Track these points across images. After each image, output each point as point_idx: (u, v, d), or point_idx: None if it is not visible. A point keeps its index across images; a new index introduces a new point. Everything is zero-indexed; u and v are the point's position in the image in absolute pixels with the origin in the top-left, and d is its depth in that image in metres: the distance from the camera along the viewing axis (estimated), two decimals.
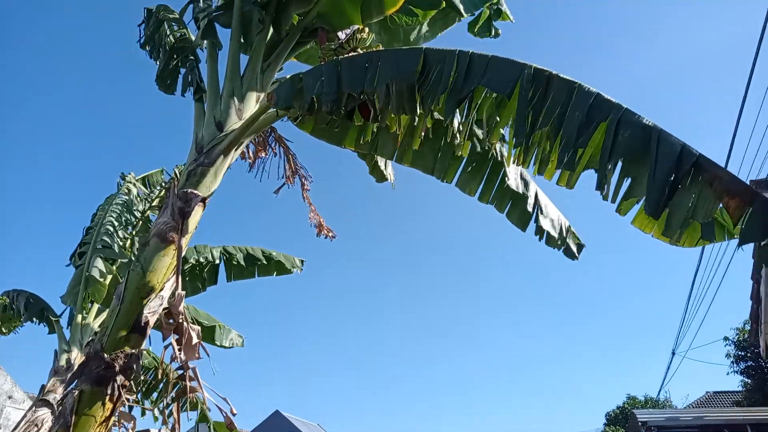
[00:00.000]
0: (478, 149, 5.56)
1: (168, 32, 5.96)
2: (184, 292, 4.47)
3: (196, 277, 8.47)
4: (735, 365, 17.68)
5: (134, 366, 4.04)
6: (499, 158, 5.59)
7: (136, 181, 9.31)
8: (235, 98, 4.77)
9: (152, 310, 4.21)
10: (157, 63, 5.83)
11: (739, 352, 17.75)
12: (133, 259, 5.03)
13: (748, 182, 6.91)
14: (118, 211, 8.34)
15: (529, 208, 5.57)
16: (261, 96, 4.89)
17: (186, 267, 8.34)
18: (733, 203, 2.64)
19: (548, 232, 5.31)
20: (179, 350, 4.32)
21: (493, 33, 6.11)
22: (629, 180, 3.02)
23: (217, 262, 8.34)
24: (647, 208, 2.85)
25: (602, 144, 3.04)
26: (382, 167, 6.44)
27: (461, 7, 5.94)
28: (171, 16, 6.10)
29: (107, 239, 7.88)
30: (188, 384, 4.31)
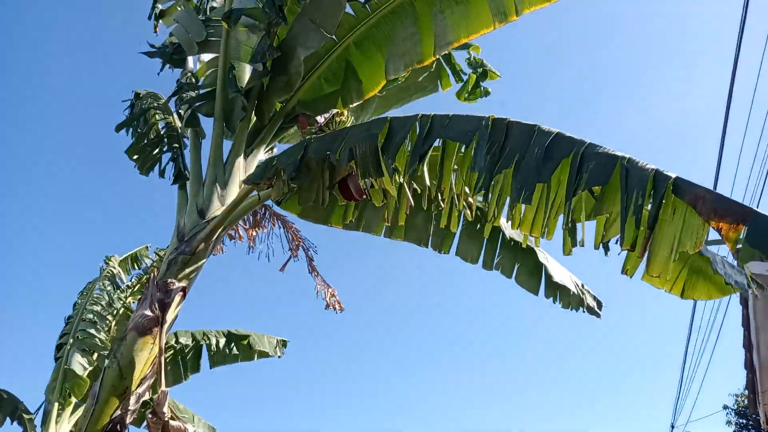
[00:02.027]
0: (470, 217, 5.50)
1: (154, 119, 6.02)
2: (168, 390, 4.27)
3: (177, 364, 8.16)
4: None
5: None
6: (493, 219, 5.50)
7: (121, 261, 9.15)
8: (218, 185, 4.76)
9: (129, 409, 3.99)
10: (132, 138, 5.78)
11: (741, 420, 17.02)
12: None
13: None
14: (99, 299, 8.14)
15: (539, 267, 5.38)
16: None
17: (167, 355, 8.04)
18: (725, 224, 2.35)
19: (561, 290, 5.12)
20: None
21: (482, 93, 6.16)
22: (604, 216, 2.82)
23: (201, 344, 8.04)
24: (625, 243, 2.57)
25: (567, 180, 2.84)
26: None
27: (452, 79, 6.09)
28: (157, 103, 6.20)
29: (88, 329, 7.66)
30: None
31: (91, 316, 7.82)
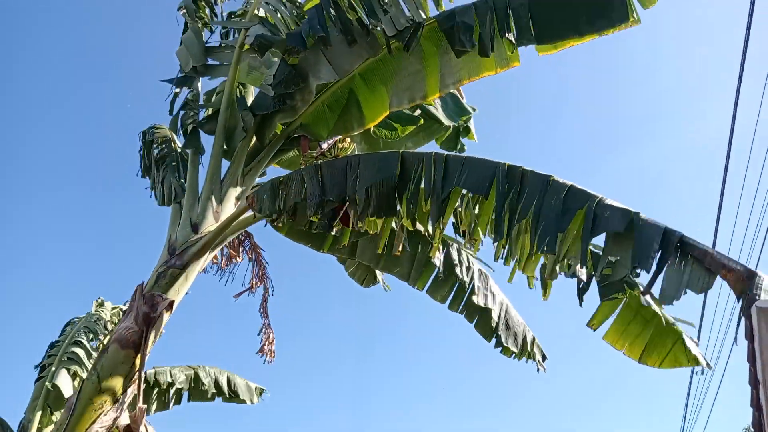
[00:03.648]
0: (452, 258, 5.56)
1: (156, 149, 6.01)
2: (145, 406, 4.15)
3: (163, 393, 7.97)
4: None
5: None
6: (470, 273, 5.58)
7: (113, 309, 8.98)
8: (214, 200, 4.74)
9: (105, 424, 3.86)
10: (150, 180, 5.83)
11: None
12: None
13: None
14: (92, 327, 7.98)
15: (493, 324, 5.51)
16: (240, 199, 4.88)
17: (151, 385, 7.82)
18: (732, 276, 2.65)
19: (509, 348, 5.28)
20: None
21: (458, 148, 6.36)
22: (611, 260, 2.99)
23: (181, 386, 7.87)
24: (636, 281, 2.80)
25: (582, 227, 3.04)
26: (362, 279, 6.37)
27: (443, 119, 6.20)
28: (159, 132, 6.20)
29: (76, 351, 7.47)
30: None
31: (82, 340, 7.65)
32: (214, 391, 7.62)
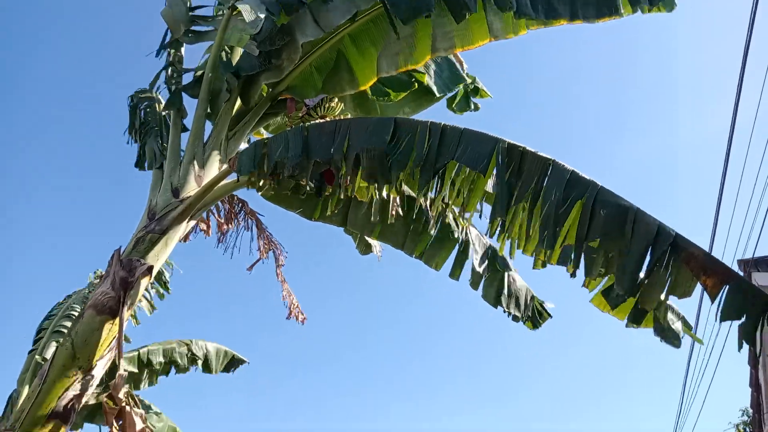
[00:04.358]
0: (450, 228, 5.41)
1: (141, 114, 5.81)
2: (126, 373, 4.01)
3: (151, 371, 7.89)
4: None
5: None
6: (467, 237, 5.44)
7: None
8: (196, 164, 4.55)
9: (79, 391, 3.71)
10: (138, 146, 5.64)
11: None
12: None
13: (735, 261, 6.84)
14: (85, 300, 7.88)
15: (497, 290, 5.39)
16: (224, 164, 4.69)
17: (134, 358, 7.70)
18: (710, 281, 2.67)
19: (511, 311, 5.15)
20: None
21: (472, 108, 6.18)
22: (604, 258, 2.89)
23: (178, 364, 7.77)
24: (623, 285, 2.77)
25: (578, 221, 2.94)
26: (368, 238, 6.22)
27: (434, 89, 6.00)
28: (144, 96, 5.99)
29: (66, 323, 7.35)
30: None
31: (73, 312, 7.53)
32: (201, 361, 7.57)
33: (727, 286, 2.60)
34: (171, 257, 7.89)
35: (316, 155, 3.78)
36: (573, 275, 3.48)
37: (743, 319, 2.52)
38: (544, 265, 3.14)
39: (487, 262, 5.27)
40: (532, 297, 5.58)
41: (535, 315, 5.50)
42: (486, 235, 3.50)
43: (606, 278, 4.49)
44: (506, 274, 5.42)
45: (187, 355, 7.50)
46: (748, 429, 16.94)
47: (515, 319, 5.45)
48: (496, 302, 5.47)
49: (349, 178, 3.81)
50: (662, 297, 2.73)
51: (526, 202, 3.07)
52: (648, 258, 2.75)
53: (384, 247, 6.08)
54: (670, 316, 4.47)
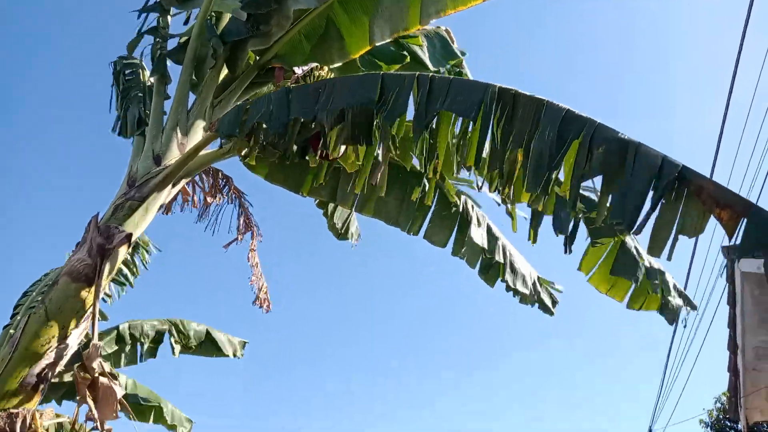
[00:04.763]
0: (448, 200, 5.26)
1: (124, 80, 5.66)
2: (101, 344, 3.86)
3: (134, 349, 7.69)
4: None
5: (18, 431, 3.34)
6: (465, 210, 5.28)
7: None
8: (179, 131, 4.38)
9: (52, 360, 3.56)
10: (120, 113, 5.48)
11: None
12: None
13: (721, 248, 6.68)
14: None
15: (499, 267, 5.23)
16: (208, 132, 4.52)
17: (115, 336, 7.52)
18: (726, 214, 2.40)
19: (519, 290, 4.93)
20: (95, 408, 3.68)
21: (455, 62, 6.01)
22: (605, 197, 2.68)
23: (157, 335, 7.55)
24: (627, 225, 2.53)
25: (575, 160, 2.74)
26: (339, 225, 6.05)
27: (429, 64, 5.83)
28: (127, 62, 5.83)
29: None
30: None
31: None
32: (194, 344, 7.37)
33: (746, 219, 2.34)
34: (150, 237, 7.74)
35: (300, 116, 3.61)
36: (569, 251, 3.32)
37: None
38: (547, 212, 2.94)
39: (487, 235, 5.11)
40: (538, 278, 5.41)
41: (542, 298, 5.28)
42: (484, 191, 3.32)
43: (604, 256, 4.40)
44: (507, 249, 5.25)
45: (181, 333, 7.32)
46: (721, 416, 16.89)
47: (523, 299, 5.26)
48: (494, 280, 5.32)
49: (335, 139, 3.64)
50: (671, 237, 2.48)
51: (521, 147, 2.89)
52: (652, 192, 2.53)
53: (379, 238, 5.90)
54: (672, 292, 4.35)
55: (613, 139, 2.70)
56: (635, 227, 2.49)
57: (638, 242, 4.09)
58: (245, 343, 8.11)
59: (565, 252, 3.16)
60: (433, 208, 5.31)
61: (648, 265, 3.84)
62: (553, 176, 2.78)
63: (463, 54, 6.03)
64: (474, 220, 5.26)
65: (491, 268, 5.27)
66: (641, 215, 2.48)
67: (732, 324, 6.19)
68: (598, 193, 2.68)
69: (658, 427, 12.40)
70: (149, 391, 8.15)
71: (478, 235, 5.13)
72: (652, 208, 2.52)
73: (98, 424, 3.69)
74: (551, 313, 5.18)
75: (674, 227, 2.51)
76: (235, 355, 7.86)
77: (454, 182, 5.34)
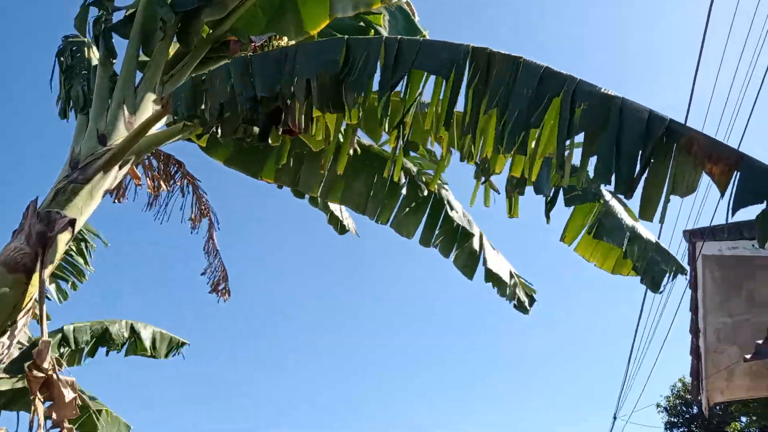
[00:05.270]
0: (419, 190, 5.05)
1: (68, 59, 5.22)
2: (50, 340, 3.52)
3: (76, 351, 7.21)
4: None
5: None
6: (439, 196, 5.09)
7: None
8: (126, 110, 4.04)
9: None
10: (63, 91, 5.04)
11: (672, 419, 17.45)
12: None
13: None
14: None
15: (476, 249, 5.05)
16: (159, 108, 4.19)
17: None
18: (718, 168, 2.27)
19: (499, 277, 4.77)
20: (51, 408, 3.36)
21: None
22: (588, 159, 2.53)
23: (102, 343, 7.08)
24: (618, 186, 2.38)
25: (558, 119, 2.55)
26: (339, 214, 5.79)
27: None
28: (72, 40, 5.40)
29: None
30: None
31: None
32: (126, 343, 6.97)
33: (738, 172, 2.23)
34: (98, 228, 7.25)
35: (264, 90, 3.34)
36: (548, 219, 3.18)
37: (764, 206, 2.16)
38: (521, 191, 2.79)
39: (464, 219, 4.94)
40: (513, 272, 5.27)
41: (519, 297, 5.14)
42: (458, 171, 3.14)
43: (587, 226, 4.29)
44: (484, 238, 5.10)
45: (122, 335, 6.90)
46: (677, 401, 17.53)
47: (501, 291, 5.10)
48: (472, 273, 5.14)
49: (300, 112, 3.39)
50: (663, 197, 2.34)
51: (496, 107, 2.70)
52: (641, 150, 2.39)
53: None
54: (658, 256, 4.22)
55: (596, 95, 2.55)
56: (626, 189, 2.34)
57: (620, 204, 3.97)
58: (184, 343, 7.75)
59: (547, 221, 3.03)
60: (403, 194, 5.08)
61: (632, 228, 3.72)
62: (532, 135, 2.61)
63: (424, 30, 5.85)
64: (447, 207, 5.08)
65: (469, 256, 5.08)
66: (632, 176, 2.33)
67: (694, 307, 6.27)
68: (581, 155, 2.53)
69: (623, 414, 12.65)
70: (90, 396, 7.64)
71: (454, 220, 4.96)
72: (642, 168, 2.38)
73: (57, 423, 3.38)
74: (527, 312, 5.06)
75: (665, 187, 2.37)
76: (165, 356, 7.49)
77: (422, 161, 5.16)
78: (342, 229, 5.87)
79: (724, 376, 6.25)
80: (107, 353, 6.89)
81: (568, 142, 2.53)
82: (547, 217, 3.18)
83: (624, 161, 2.37)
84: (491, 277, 5.09)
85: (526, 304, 5.24)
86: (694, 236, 6.37)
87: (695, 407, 16.76)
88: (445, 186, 5.17)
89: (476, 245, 5.01)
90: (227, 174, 5.07)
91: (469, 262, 5.14)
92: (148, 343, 6.96)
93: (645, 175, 2.39)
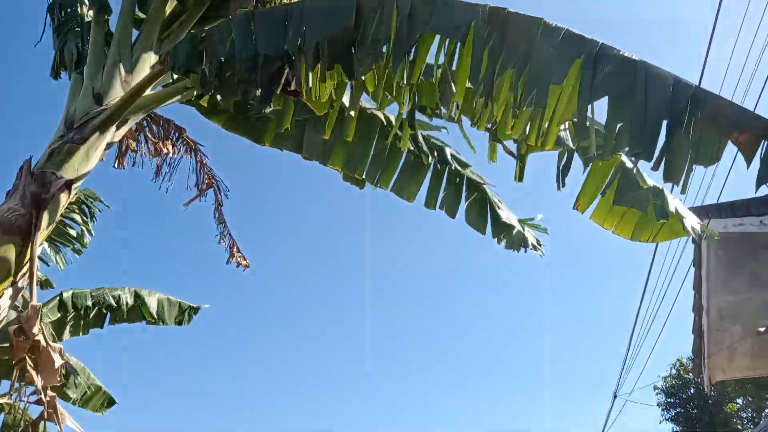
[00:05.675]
0: (424, 156, 4.91)
1: (60, 15, 5.02)
2: (40, 304, 3.43)
3: (78, 320, 7.09)
4: (666, 412, 17.54)
5: None
6: (442, 155, 4.95)
7: None
8: (122, 67, 3.88)
9: None
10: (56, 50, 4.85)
11: (669, 399, 17.68)
12: None
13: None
14: None
15: (486, 205, 4.89)
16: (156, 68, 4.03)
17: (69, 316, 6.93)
18: (744, 137, 2.19)
19: (509, 228, 4.62)
20: (35, 374, 3.30)
21: None
22: (615, 126, 2.42)
23: (105, 310, 6.94)
24: (642, 154, 2.28)
25: (580, 82, 2.43)
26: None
27: None
28: None
29: None
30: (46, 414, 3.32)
31: None
32: (142, 314, 6.89)
33: (766, 141, 2.14)
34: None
35: (268, 49, 3.19)
36: (562, 185, 3.08)
37: None
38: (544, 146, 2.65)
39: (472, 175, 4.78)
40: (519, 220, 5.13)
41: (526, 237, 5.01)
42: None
43: (599, 196, 4.15)
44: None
45: (126, 302, 6.79)
46: (674, 381, 17.70)
47: (510, 242, 4.95)
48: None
49: (307, 75, 3.24)
50: (686, 167, 2.26)
51: (513, 69, 2.58)
52: (667, 118, 2.28)
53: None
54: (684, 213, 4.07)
55: (620, 58, 2.44)
56: (651, 157, 2.23)
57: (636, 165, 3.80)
58: (197, 308, 7.63)
59: (558, 187, 2.93)
60: (404, 156, 4.95)
61: (653, 187, 3.56)
62: (552, 92, 2.48)
63: None
64: (452, 165, 4.93)
65: (479, 214, 4.92)
66: (657, 143, 2.23)
67: (698, 286, 6.23)
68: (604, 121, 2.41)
69: (623, 392, 12.74)
70: (83, 368, 7.55)
71: (461, 172, 4.81)
72: (667, 135, 2.27)
73: (40, 390, 3.32)
74: (542, 252, 4.95)
75: (688, 156, 2.27)
76: (180, 323, 7.40)
77: (426, 131, 5.02)
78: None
79: (726, 354, 6.24)
80: (112, 322, 6.79)
81: (590, 107, 2.40)
82: (563, 182, 3.08)
83: (649, 128, 2.27)
84: (499, 231, 4.96)
85: (538, 245, 5.13)
86: (699, 214, 6.28)
87: (692, 388, 16.94)
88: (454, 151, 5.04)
89: (484, 200, 4.88)
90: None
91: (480, 218, 5.02)
92: (153, 309, 6.85)
93: (669, 143, 2.28)
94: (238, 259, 6.59)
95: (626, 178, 3.56)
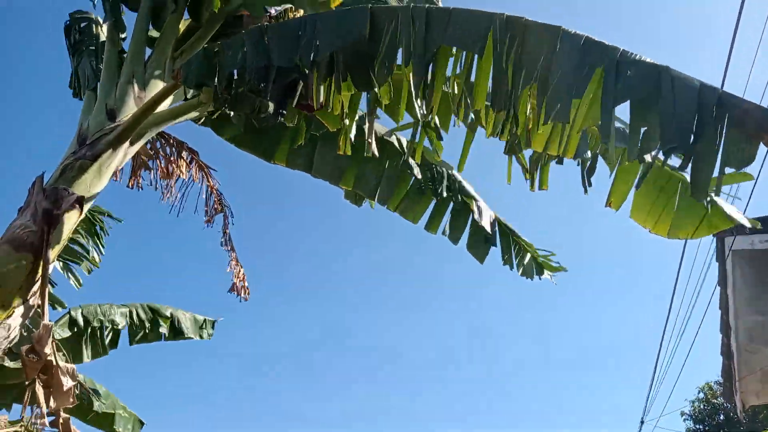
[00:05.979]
0: (432, 167, 4.89)
1: (76, 35, 5.07)
2: (51, 323, 3.38)
3: (95, 338, 7.02)
4: None
5: None
6: (452, 180, 4.91)
7: None
8: (135, 85, 3.88)
9: None
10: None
11: (697, 426, 17.10)
12: None
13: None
14: None
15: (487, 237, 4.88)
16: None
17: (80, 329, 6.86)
18: None
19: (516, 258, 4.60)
20: (48, 395, 3.23)
21: None
22: (640, 129, 2.36)
23: (120, 327, 6.86)
24: (674, 150, 2.21)
25: (602, 88, 2.38)
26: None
27: None
28: (81, 16, 5.24)
29: None
30: None
31: None
32: (160, 332, 6.81)
33: None
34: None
35: (281, 61, 3.17)
36: (588, 184, 3.01)
37: None
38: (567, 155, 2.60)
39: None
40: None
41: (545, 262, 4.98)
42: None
43: (633, 190, 4.03)
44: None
45: (146, 317, 6.70)
46: (703, 405, 17.14)
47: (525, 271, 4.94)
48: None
49: (319, 87, 3.21)
50: (716, 171, 2.22)
51: (535, 81, 2.52)
52: (694, 121, 2.25)
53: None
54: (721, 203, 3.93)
55: (642, 64, 2.40)
56: (680, 161, 2.17)
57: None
58: (213, 321, 7.53)
59: (585, 191, 2.88)
60: (412, 180, 4.95)
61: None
62: (574, 105, 2.42)
63: None
64: (460, 192, 4.91)
65: (483, 241, 4.90)
66: (686, 147, 2.16)
67: (724, 305, 6.03)
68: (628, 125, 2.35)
69: (650, 418, 12.42)
70: (107, 392, 7.44)
71: (466, 209, 4.80)
72: (695, 139, 2.21)
73: (54, 412, 3.25)
74: (564, 269, 4.90)
75: (718, 159, 2.21)
76: (201, 337, 7.32)
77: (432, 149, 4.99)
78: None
79: (759, 377, 5.99)
80: (131, 342, 6.70)
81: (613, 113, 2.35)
82: (589, 182, 3.02)
83: (677, 132, 2.22)
84: (510, 249, 4.93)
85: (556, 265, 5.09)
86: (724, 231, 6.12)
87: (721, 414, 16.43)
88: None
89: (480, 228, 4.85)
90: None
91: (482, 248, 5.01)
92: (169, 324, 6.77)
93: (697, 143, 2.23)
94: (239, 289, 6.51)
95: (658, 173, 3.50)
